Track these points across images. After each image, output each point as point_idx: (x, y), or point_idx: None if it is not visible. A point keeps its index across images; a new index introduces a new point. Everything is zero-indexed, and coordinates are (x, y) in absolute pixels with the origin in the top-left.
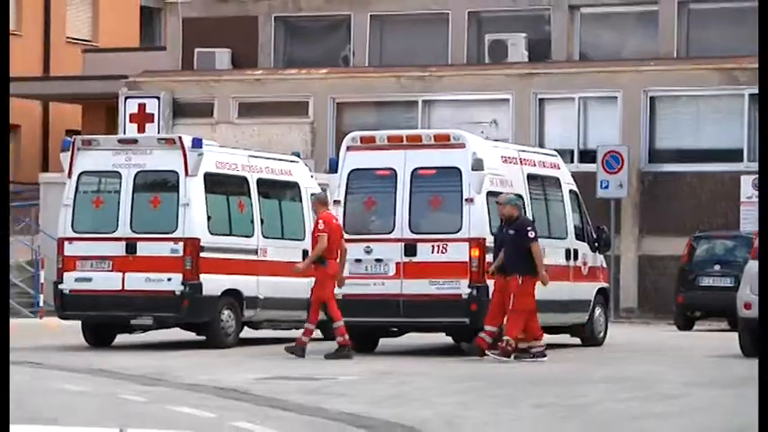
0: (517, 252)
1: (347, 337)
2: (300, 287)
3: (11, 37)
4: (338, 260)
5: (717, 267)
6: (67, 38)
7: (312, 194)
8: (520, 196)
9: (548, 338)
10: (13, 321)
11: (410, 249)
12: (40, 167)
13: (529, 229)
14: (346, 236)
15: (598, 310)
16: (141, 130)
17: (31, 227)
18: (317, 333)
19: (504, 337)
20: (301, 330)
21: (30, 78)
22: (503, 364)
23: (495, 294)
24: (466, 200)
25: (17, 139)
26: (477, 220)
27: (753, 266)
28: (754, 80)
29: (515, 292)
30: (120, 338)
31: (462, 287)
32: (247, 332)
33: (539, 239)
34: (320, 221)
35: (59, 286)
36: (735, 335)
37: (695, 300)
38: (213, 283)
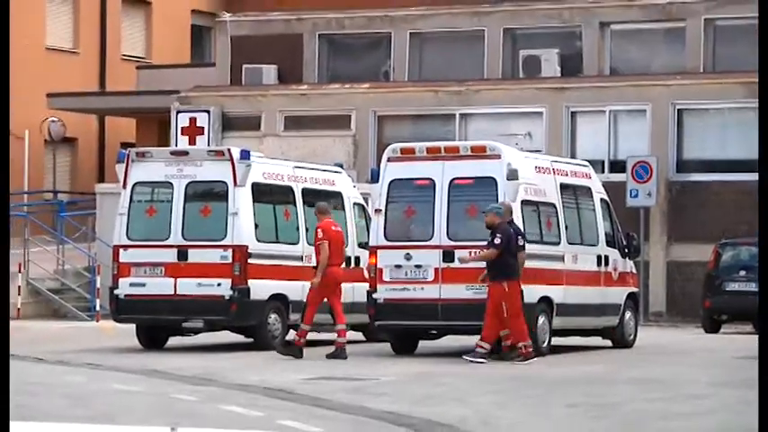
0: (498, 259)
1: (303, 340)
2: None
3: (69, 55)
4: (342, 266)
5: (742, 273)
6: (122, 55)
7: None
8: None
9: (580, 340)
10: (70, 324)
11: (448, 256)
12: (97, 178)
13: (498, 235)
14: (387, 242)
15: (628, 314)
16: (192, 142)
17: (87, 235)
18: (359, 335)
19: (519, 344)
20: (335, 334)
21: (87, 94)
22: (534, 365)
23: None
24: None
25: (75, 152)
26: None
27: None
28: None
29: (506, 298)
30: (173, 341)
31: None
32: (293, 335)
33: (524, 249)
34: (319, 230)
35: (115, 291)
36: None
37: (721, 304)
38: (260, 288)
